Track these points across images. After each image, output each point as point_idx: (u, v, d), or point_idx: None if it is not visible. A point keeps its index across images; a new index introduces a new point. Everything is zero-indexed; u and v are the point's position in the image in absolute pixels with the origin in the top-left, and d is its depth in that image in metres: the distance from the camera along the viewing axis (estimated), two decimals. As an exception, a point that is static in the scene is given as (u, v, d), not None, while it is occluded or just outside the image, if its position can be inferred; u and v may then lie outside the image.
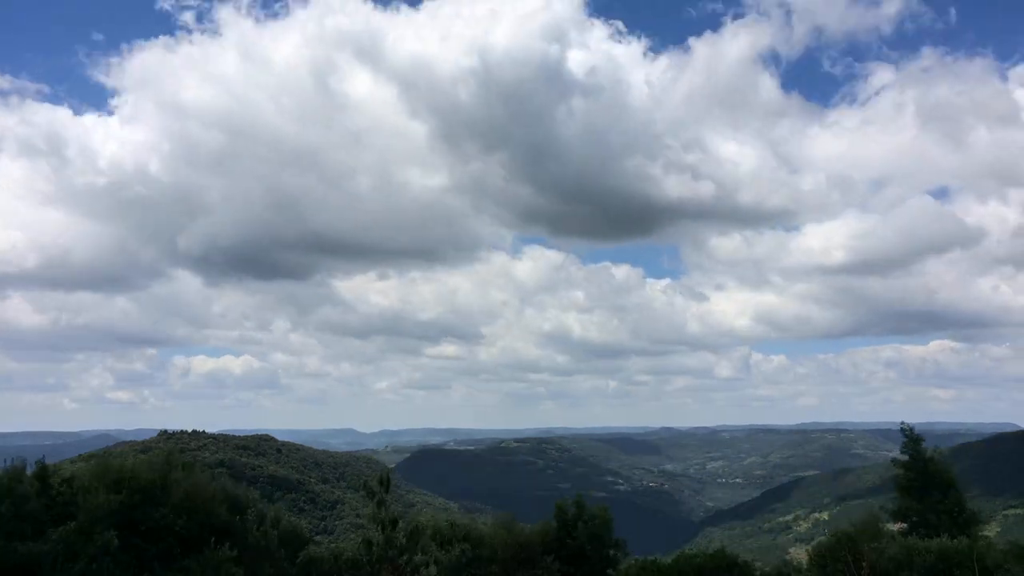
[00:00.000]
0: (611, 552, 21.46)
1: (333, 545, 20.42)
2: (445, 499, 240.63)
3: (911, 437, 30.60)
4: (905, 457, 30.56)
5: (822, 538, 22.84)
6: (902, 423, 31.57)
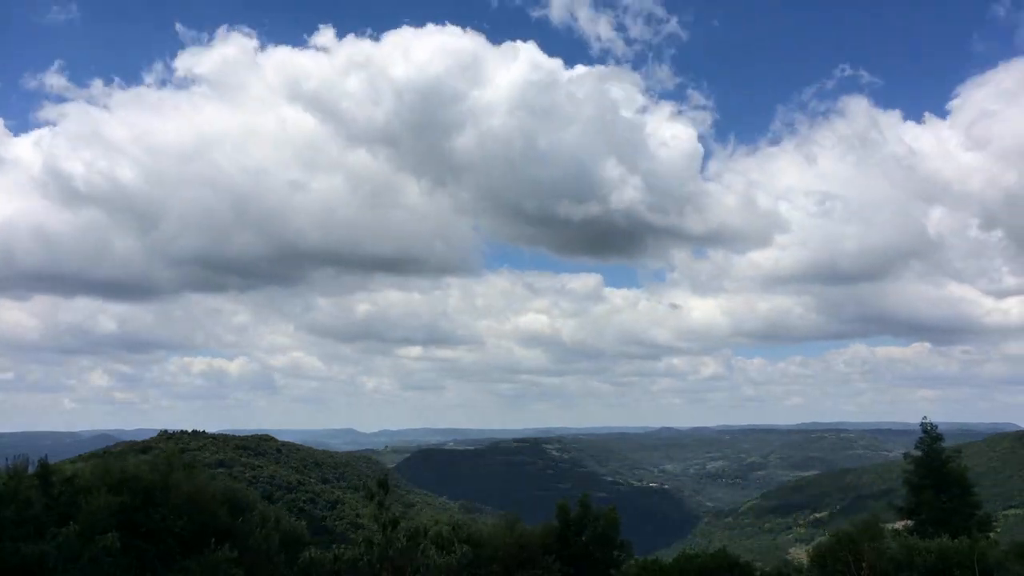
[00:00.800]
0: (615, 553, 21.43)
1: (333, 546, 20.42)
2: (445, 499, 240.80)
3: (931, 435, 30.22)
4: (919, 453, 30.23)
5: (822, 538, 22.85)
6: (924, 419, 31.12)
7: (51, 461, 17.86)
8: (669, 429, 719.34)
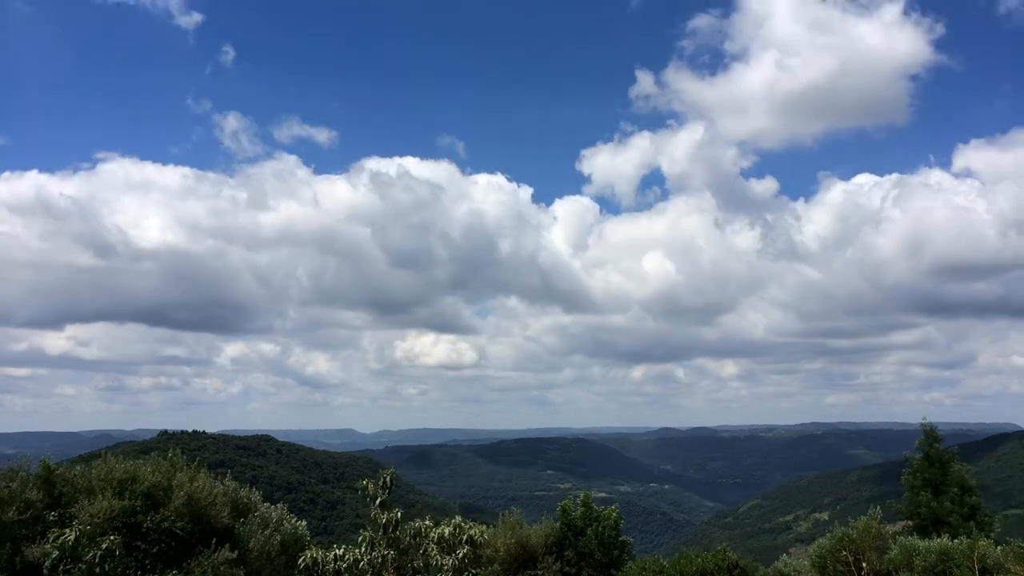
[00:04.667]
0: (615, 553, 21.44)
1: (334, 546, 20.43)
2: (445, 499, 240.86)
3: (930, 435, 30.05)
4: (919, 455, 30.11)
5: (822, 539, 22.84)
6: (923, 419, 30.88)
7: (52, 461, 17.87)
8: (669, 429, 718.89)
